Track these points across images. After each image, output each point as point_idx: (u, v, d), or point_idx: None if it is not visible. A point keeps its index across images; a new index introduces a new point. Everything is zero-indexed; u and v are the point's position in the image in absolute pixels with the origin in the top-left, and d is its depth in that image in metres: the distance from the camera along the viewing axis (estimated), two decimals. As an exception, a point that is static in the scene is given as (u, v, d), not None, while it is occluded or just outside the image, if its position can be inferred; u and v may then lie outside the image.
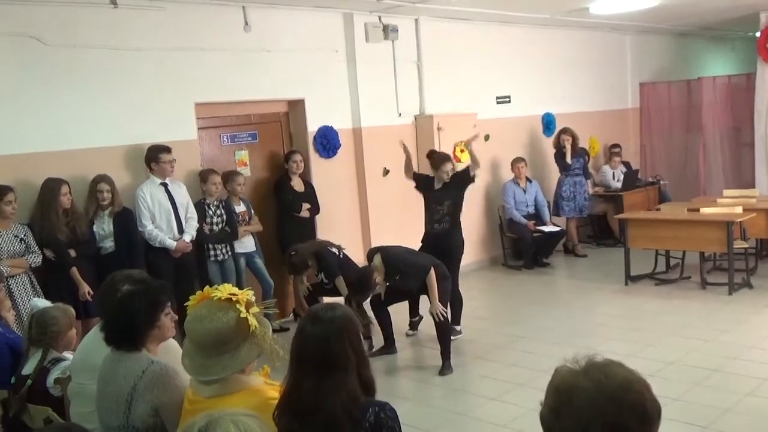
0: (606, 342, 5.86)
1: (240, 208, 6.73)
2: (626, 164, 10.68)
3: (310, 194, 7.20)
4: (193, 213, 6.21)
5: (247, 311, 2.34)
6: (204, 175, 6.45)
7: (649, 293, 6.85)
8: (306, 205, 7.11)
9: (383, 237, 7.99)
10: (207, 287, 2.48)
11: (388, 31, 7.80)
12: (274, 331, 2.63)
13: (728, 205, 7.60)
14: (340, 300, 5.86)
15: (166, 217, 6.02)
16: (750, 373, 5.11)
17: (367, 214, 7.90)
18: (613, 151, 10.58)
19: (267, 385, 2.40)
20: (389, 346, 6.12)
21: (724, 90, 11.07)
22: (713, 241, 7.20)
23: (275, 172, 7.29)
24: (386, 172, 8.03)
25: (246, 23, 6.73)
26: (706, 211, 7.45)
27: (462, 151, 8.45)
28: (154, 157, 5.96)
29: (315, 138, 7.44)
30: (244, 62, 6.76)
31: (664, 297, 7.15)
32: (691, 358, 5.50)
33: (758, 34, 10.23)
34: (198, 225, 6.23)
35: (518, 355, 5.85)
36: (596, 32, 10.59)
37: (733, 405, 4.63)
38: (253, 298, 2.44)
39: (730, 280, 7.11)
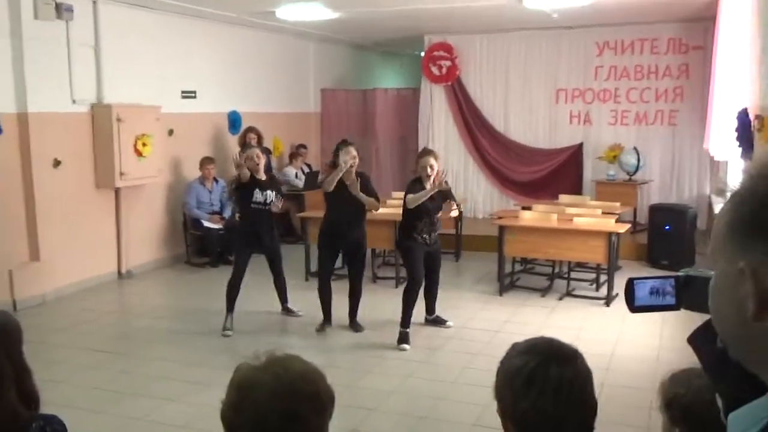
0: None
1: None
2: (308, 165, 11.19)
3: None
4: None
5: None
6: None
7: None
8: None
9: (54, 233, 7.33)
10: None
11: (62, 10, 7.13)
12: None
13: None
14: None
15: None
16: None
17: (33, 209, 7.14)
18: (300, 151, 11.01)
19: None
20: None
21: (394, 101, 12.23)
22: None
23: None
24: (57, 163, 7.35)
25: None
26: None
27: (144, 145, 8.08)
28: None
29: (-32, 122, 6.53)
30: None
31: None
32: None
33: (423, 54, 11.53)
34: None
35: (203, 354, 5.78)
36: (283, 36, 10.91)
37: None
38: None
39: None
